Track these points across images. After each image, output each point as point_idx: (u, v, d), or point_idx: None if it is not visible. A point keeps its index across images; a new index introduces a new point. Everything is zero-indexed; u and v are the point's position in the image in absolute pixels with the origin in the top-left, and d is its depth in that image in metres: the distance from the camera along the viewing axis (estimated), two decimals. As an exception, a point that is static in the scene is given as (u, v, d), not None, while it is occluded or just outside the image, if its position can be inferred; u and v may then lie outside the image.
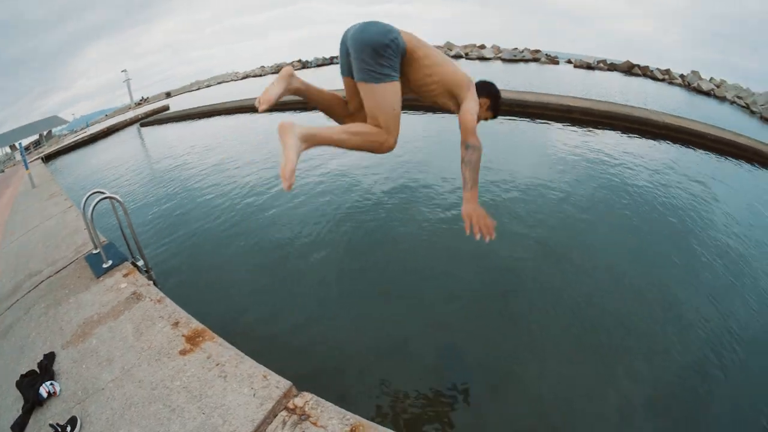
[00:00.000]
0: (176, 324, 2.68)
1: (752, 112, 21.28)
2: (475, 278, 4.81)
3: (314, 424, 1.95)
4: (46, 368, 2.73)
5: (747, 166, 11.54)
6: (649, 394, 3.90)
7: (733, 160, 11.79)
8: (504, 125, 12.64)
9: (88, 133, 19.25)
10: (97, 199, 3.47)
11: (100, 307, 3.21)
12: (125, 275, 3.27)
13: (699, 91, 25.92)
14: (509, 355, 3.84)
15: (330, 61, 35.91)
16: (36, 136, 23.57)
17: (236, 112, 17.51)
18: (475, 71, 24.62)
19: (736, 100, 23.67)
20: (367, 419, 1.87)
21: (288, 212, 6.07)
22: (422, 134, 10.89)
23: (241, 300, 4.11)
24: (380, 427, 1.84)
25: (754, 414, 3.86)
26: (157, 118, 19.48)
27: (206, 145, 10.59)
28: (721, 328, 5.02)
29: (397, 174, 7.57)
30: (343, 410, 1.95)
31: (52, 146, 19.91)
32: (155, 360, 2.60)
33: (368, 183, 7.13)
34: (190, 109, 19.21)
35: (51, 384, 2.52)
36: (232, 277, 4.59)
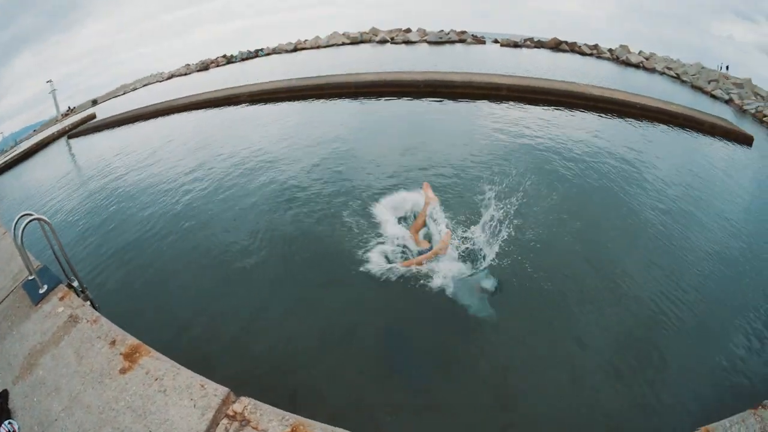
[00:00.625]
0: (113, 343, 2.57)
1: (683, 82, 21.71)
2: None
3: (255, 429, 1.90)
4: (2, 407, 2.63)
5: (680, 131, 11.56)
6: (601, 354, 3.99)
7: (665, 126, 11.77)
8: (432, 105, 12.28)
9: (18, 151, 18.00)
10: (25, 222, 3.22)
11: (41, 335, 3.06)
12: (61, 298, 3.11)
13: (628, 64, 26.18)
14: (454, 335, 3.83)
15: (255, 54, 34.22)
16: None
17: (162, 114, 16.70)
18: (401, 56, 23.95)
19: (666, 71, 24.25)
20: (309, 417, 1.82)
21: (219, 216, 6.02)
22: (349, 124, 10.52)
23: (175, 309, 4.07)
24: (319, 424, 1.80)
25: (697, 365, 4.01)
26: (85, 128, 18.39)
27: (134, 151, 10.13)
28: (659, 282, 5.10)
29: (323, 169, 7.41)
30: (281, 411, 1.89)
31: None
32: (98, 383, 2.51)
33: (297, 180, 6.99)
34: (117, 115, 18.17)
35: (9, 423, 2.44)
36: (167, 287, 4.53)
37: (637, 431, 2.77)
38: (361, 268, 4.58)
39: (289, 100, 14.45)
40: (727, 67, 23.07)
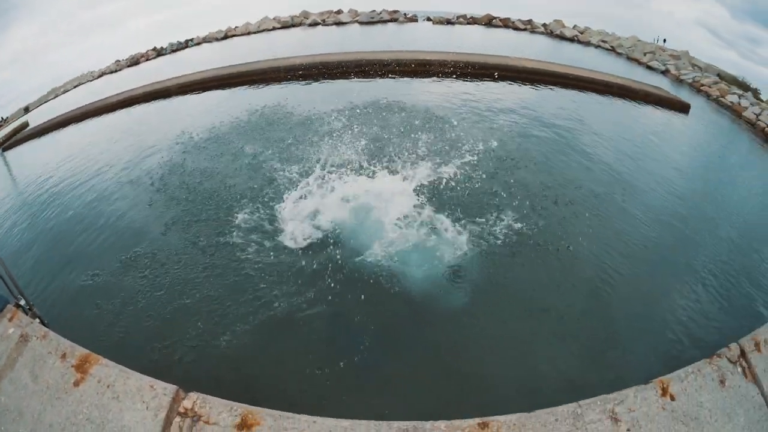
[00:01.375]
0: (63, 356, 2.47)
1: (618, 54, 21.66)
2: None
3: (207, 422, 1.85)
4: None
5: (615, 100, 11.46)
6: (553, 319, 3.96)
7: (600, 96, 11.66)
8: (361, 84, 11.84)
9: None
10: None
11: (-2, 360, 2.95)
12: (10, 319, 2.96)
13: (563, 38, 25.53)
14: (400, 315, 3.81)
15: (185, 45, 32.18)
16: None
17: (93, 115, 16.14)
18: (332, 38, 22.98)
19: (602, 44, 24.05)
20: (255, 404, 1.77)
21: (153, 214, 6.00)
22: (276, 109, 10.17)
23: (120, 314, 4.06)
24: (267, 411, 1.75)
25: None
26: (19, 137, 17.59)
27: (68, 157, 9.80)
28: (604, 245, 5.05)
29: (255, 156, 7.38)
30: (230, 402, 1.83)
31: None
32: (56, 399, 2.43)
33: (225, 169, 7.02)
34: (48, 120, 17.47)
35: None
36: (110, 293, 4.50)
37: (593, 387, 2.82)
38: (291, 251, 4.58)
39: (219, 89, 14.31)
40: (665, 41, 23.20)
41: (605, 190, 6.24)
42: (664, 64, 19.07)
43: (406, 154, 6.69)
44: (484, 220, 5.17)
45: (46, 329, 2.68)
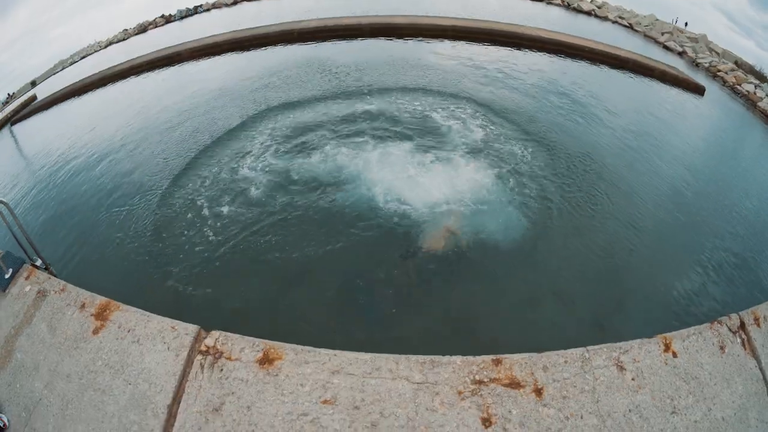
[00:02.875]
0: (83, 306, 2.53)
1: (635, 32, 21.55)
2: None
3: (229, 358, 1.91)
4: (-10, 406, 2.59)
5: (630, 75, 11.53)
6: (563, 280, 4.09)
7: (615, 70, 11.74)
8: (378, 46, 11.93)
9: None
10: (-21, 210, 3.08)
11: (14, 318, 3.00)
12: (27, 278, 3.03)
13: (579, 11, 25.50)
14: (413, 272, 3.92)
15: (195, 11, 32.31)
16: None
17: (102, 84, 15.76)
18: (346, 4, 23.32)
19: (619, 20, 23.97)
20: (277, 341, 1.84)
21: (166, 166, 6.07)
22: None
23: (135, 261, 4.11)
24: (289, 345, 1.82)
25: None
26: (28, 110, 17.40)
27: (77, 126, 9.79)
28: (618, 216, 5.17)
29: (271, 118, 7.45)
30: (252, 338, 1.90)
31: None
32: (74, 349, 2.48)
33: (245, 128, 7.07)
34: (56, 92, 17.21)
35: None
36: (127, 246, 4.60)
37: (597, 341, 2.91)
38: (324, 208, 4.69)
39: (232, 52, 14.01)
40: (686, 24, 23.27)
41: (618, 160, 6.37)
42: (682, 46, 18.88)
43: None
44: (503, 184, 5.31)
45: (64, 283, 2.74)
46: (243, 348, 1.90)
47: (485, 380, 2.01)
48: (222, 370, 1.89)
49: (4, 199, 3.12)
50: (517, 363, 1.98)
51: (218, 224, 4.69)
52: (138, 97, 11.20)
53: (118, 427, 2.15)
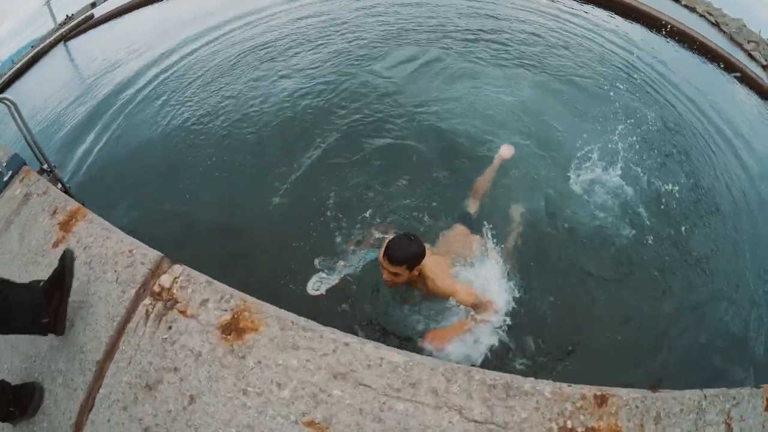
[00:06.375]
0: (54, 212, 2.03)
1: (722, 31, 20.68)
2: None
3: (183, 313, 1.24)
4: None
5: (709, 64, 10.37)
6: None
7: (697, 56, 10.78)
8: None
9: (13, 69, 17.00)
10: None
11: (2, 225, 2.64)
12: (21, 180, 2.65)
13: None
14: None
15: None
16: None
17: None
18: None
19: (707, 15, 22.21)
20: (254, 296, 1.14)
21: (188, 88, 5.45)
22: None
23: (126, 170, 3.62)
24: (275, 310, 1.12)
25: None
26: (83, 28, 17.16)
27: (129, 44, 9.36)
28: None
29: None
30: (222, 286, 1.22)
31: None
32: (32, 263, 1.98)
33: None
34: (114, 9, 16.84)
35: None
36: (122, 151, 4.14)
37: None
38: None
39: None
40: None
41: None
42: (766, 59, 18.10)
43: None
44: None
45: (48, 185, 2.27)
46: (206, 300, 1.22)
47: (579, 430, 1.20)
48: (170, 328, 1.24)
49: (10, 97, 2.80)
50: (626, 406, 1.15)
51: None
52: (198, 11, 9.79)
53: (46, 371, 1.58)
